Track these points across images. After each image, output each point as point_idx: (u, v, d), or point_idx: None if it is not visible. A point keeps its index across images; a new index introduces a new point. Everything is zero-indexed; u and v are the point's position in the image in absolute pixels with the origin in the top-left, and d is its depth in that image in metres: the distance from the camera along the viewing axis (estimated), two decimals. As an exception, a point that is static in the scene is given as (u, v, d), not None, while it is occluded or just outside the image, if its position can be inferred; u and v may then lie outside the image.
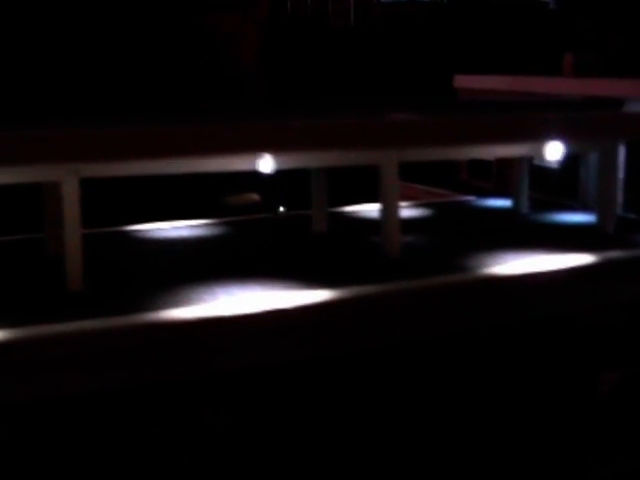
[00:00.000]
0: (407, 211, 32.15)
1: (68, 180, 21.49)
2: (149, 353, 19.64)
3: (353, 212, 32.03)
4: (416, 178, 38.07)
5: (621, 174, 31.72)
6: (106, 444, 20.04)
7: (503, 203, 33.21)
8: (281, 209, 30.93)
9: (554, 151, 25.16)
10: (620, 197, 31.64)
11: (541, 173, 34.50)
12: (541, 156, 26.09)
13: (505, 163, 35.89)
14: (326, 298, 20.99)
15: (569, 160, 33.31)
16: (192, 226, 29.32)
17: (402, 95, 69.11)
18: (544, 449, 24.13)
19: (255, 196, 43.60)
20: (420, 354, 23.03)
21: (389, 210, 24.99)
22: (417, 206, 33.19)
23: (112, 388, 19.86)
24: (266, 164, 22.05)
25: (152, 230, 28.89)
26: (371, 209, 32.12)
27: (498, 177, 36.12)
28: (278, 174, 24.75)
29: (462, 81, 38.44)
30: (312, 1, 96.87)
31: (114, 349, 19.15)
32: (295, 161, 23.51)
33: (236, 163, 22.32)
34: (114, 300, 21.19)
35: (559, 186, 33.54)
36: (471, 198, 34.72)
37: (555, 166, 33.96)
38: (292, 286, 22.07)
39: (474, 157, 25.95)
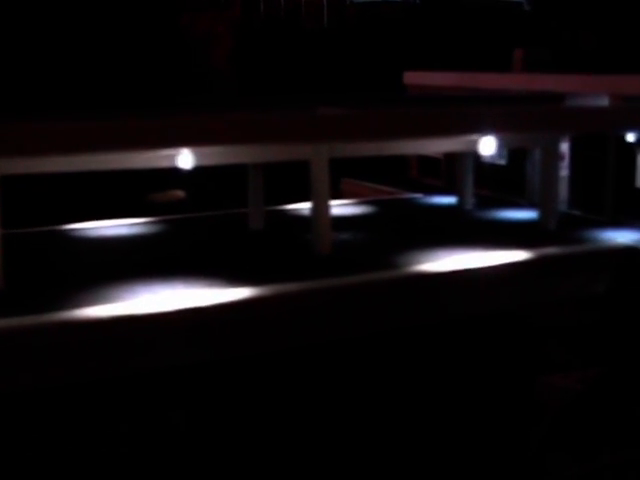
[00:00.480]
0: (350, 208, 31.72)
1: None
2: (63, 352, 19.15)
3: (293, 209, 31.48)
4: (366, 175, 37.68)
5: (566, 171, 31.39)
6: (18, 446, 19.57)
7: (449, 200, 32.73)
8: None
9: (488, 146, 24.68)
10: (565, 194, 31.30)
11: (490, 170, 34.09)
12: (477, 151, 25.58)
13: (454, 160, 35.46)
14: (244, 296, 20.51)
15: (516, 156, 32.93)
16: (127, 225, 28.74)
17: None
18: (479, 447, 23.76)
19: (180, 193, 42.99)
20: (344, 354, 22.56)
21: (319, 207, 24.45)
22: (361, 203, 32.68)
23: (24, 389, 19.37)
24: (185, 160, 21.46)
25: (84, 229, 28.24)
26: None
27: (447, 174, 35.67)
28: (208, 170, 24.30)
29: (411, 78, 38.02)
30: (285, 2, 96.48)
31: (27, 348, 18.66)
32: (218, 157, 22.91)
33: (154, 159, 21.71)
34: (33, 299, 20.57)
35: (507, 183, 33.12)
36: (418, 195, 34.21)
37: (503, 162, 33.57)
38: (215, 284, 21.55)
39: (409, 152, 25.42)
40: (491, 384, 24.88)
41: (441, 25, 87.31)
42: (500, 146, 26.32)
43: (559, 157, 27.99)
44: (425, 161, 36.87)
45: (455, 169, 31.98)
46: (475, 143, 24.89)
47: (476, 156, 35.14)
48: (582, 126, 26.07)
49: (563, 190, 31.26)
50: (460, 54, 75.65)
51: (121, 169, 22.47)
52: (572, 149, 30.62)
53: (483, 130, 24.20)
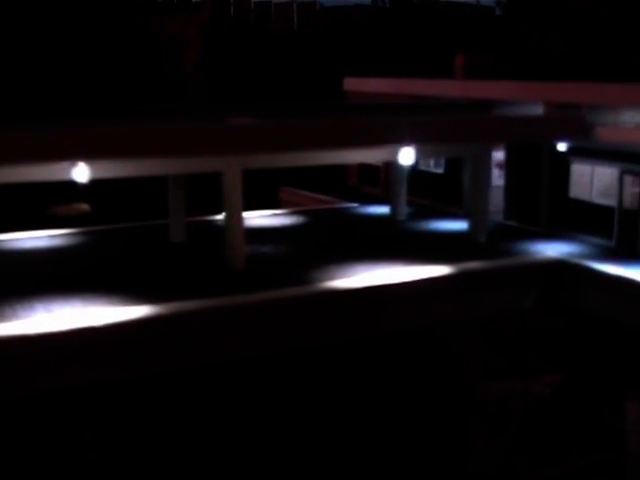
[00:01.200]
0: (280, 219, 30.76)
1: None
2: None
3: (218, 221, 30.50)
4: (309, 184, 36.75)
5: (502, 181, 30.53)
6: None
7: (383, 210, 31.74)
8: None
9: (407, 156, 23.74)
10: (501, 204, 30.45)
11: (427, 179, 33.21)
12: (398, 161, 24.62)
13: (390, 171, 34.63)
14: (140, 315, 19.47)
15: (454, 165, 32.06)
16: (33, 237, 27.58)
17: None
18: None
19: (84, 206, 41.86)
20: (248, 374, 21.71)
21: (232, 220, 23.41)
22: (293, 213, 31.70)
23: None
24: (81, 173, 20.40)
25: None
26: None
27: (386, 182, 34.76)
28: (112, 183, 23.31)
29: (351, 84, 37.11)
30: (255, 6, 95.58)
31: None
32: (123, 169, 21.84)
33: (50, 172, 20.66)
34: None
35: (444, 192, 32.22)
36: (353, 205, 33.22)
37: (440, 171, 32.69)
38: (115, 302, 20.51)
39: (325, 162, 24.41)
40: (420, 395, 24.32)
41: (411, 29, 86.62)
42: (424, 156, 25.43)
43: (490, 167, 27.10)
44: (365, 169, 35.98)
45: (391, 179, 31.05)
46: (396, 153, 23.92)
47: (414, 165, 34.35)
48: (507, 135, 25.04)
49: (499, 200, 30.44)
50: (427, 58, 74.95)
51: (17, 182, 21.40)
52: (508, 158, 29.76)
53: (401, 141, 23.22)
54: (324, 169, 37.04)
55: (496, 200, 30.74)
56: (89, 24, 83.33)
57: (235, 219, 23.39)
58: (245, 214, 31.15)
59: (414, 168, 34.01)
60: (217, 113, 25.04)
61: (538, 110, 28.19)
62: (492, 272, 23.86)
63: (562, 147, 26.47)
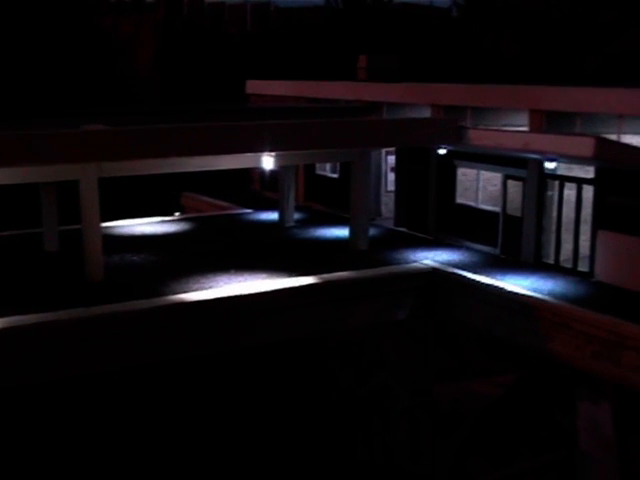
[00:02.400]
0: (165, 226, 29.64)
1: None
2: None
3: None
4: (213, 189, 35.76)
5: (392, 187, 29.66)
6: None
7: (275, 216, 30.66)
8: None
9: (268, 162, 22.74)
10: (391, 210, 29.57)
11: (323, 184, 32.28)
12: (262, 165, 23.57)
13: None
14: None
15: (348, 170, 31.09)
16: None
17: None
18: None
19: None
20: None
21: (89, 230, 22.27)
22: (181, 220, 30.60)
23: None
24: None
25: None
26: (122, 224, 30.02)
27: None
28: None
29: (252, 87, 36.15)
30: (209, 7, 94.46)
31: None
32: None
33: None
34: None
35: (339, 197, 31.25)
36: (248, 211, 32.20)
37: (335, 176, 31.76)
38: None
39: (186, 169, 23.33)
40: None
41: (363, 30, 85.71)
42: (299, 161, 24.42)
43: (369, 172, 26.09)
44: (266, 175, 34.99)
45: (278, 185, 30.00)
46: (260, 159, 22.91)
47: (310, 169, 33.43)
48: (376, 140, 23.93)
49: (390, 207, 29.57)
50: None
51: None
52: (397, 163, 28.84)
53: (267, 146, 22.17)
54: (231, 174, 36.20)
55: (392, 206, 29.90)
56: (41, 24, 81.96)
57: (92, 229, 22.23)
58: (131, 221, 30.48)
59: (312, 173, 33.14)
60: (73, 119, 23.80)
61: (426, 113, 27.32)
62: (360, 282, 22.89)
63: (442, 151, 25.58)
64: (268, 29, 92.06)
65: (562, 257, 24.04)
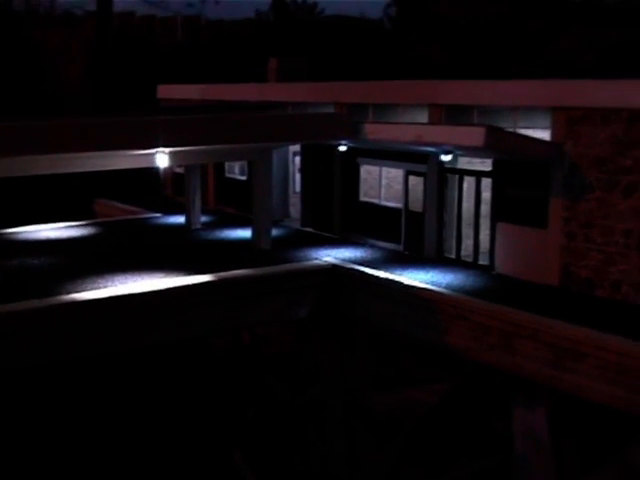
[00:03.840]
0: (71, 230, 28.53)
1: None
2: None
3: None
4: (123, 196, 34.81)
5: (298, 187, 29.11)
6: None
7: (183, 220, 29.84)
8: None
9: (162, 160, 21.94)
10: (299, 211, 29.00)
11: (232, 186, 31.59)
12: (157, 164, 22.72)
13: (203, 178, 32.98)
14: None
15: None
16: None
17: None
18: None
19: None
20: None
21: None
22: (88, 225, 29.54)
23: None
24: None
25: None
26: (28, 230, 28.99)
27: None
28: None
29: (163, 91, 35.42)
30: (140, 20, 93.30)
31: None
32: None
33: None
34: None
35: (248, 199, 30.57)
36: (157, 215, 31.34)
37: (244, 178, 31.08)
38: None
39: (82, 169, 22.42)
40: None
41: (293, 43, 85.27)
42: (197, 160, 23.63)
43: (270, 171, 25.40)
44: (178, 179, 34.19)
45: (207, 187, 29.23)
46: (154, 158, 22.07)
47: (220, 172, 32.73)
48: (266, 136, 23.00)
49: (297, 207, 29.01)
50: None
51: None
52: (303, 163, 28.30)
53: (151, 143, 21.18)
54: (144, 180, 35.34)
55: (300, 207, 29.33)
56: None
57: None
58: (37, 227, 29.44)
59: (221, 176, 32.45)
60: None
61: (330, 110, 26.80)
62: (258, 280, 22.17)
63: (342, 148, 25.07)
64: (198, 41, 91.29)
65: (463, 251, 23.68)
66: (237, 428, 26.44)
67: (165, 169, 32.93)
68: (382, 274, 22.05)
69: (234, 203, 31.22)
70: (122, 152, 22.27)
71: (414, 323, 21.17)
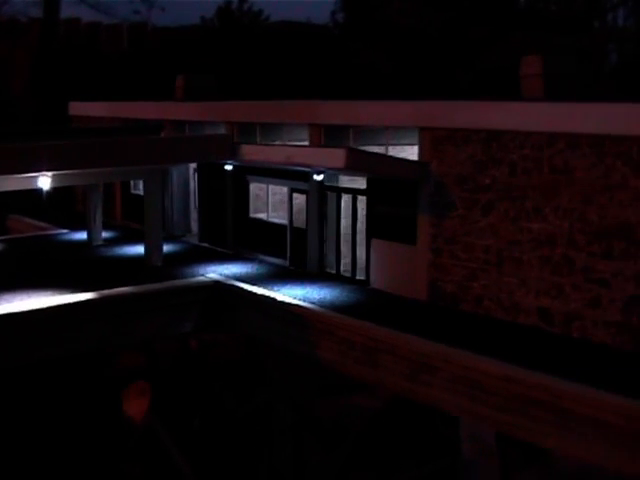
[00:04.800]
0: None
1: None
2: None
3: None
4: (38, 212, 34.61)
5: (194, 203, 29.20)
6: None
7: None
8: None
9: (46, 181, 21.94)
10: (196, 226, 29.09)
11: (137, 202, 31.58)
12: (39, 185, 22.72)
13: (110, 194, 32.99)
14: None
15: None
16: None
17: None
18: None
19: None
20: None
21: None
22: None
23: None
24: None
25: None
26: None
27: (106, 207, 33.05)
28: None
29: (74, 108, 35.35)
30: (85, 27, 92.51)
31: None
32: None
33: None
34: None
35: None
36: (63, 231, 31.15)
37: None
38: None
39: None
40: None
41: (237, 49, 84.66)
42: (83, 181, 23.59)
43: (160, 190, 25.47)
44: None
45: (114, 203, 29.14)
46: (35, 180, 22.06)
47: (126, 189, 32.74)
48: (147, 158, 23.11)
49: (194, 222, 29.10)
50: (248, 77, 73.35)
51: None
52: (199, 180, 28.40)
53: (42, 167, 21.26)
54: (59, 196, 35.10)
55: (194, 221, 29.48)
56: None
57: None
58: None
59: (127, 192, 32.44)
60: None
61: (222, 130, 26.94)
62: (140, 297, 22.22)
63: (228, 167, 25.21)
64: (144, 48, 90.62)
65: (343, 267, 23.89)
66: (184, 436, 26.20)
67: (77, 186, 32.97)
68: (259, 290, 22.18)
69: (139, 219, 31.21)
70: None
71: (290, 338, 21.32)
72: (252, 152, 22.18)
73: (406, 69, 65.95)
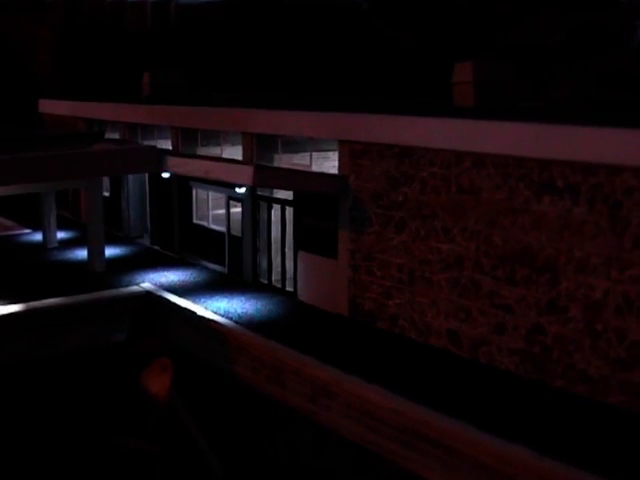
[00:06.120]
0: None
1: None
2: None
3: None
4: (12, 210, 33.98)
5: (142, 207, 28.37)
6: None
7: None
8: None
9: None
10: (148, 228, 28.29)
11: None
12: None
13: (76, 192, 32.34)
14: None
15: (117, 189, 29.76)
16: None
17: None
18: None
19: None
20: None
21: None
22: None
23: None
24: None
25: None
26: None
27: (73, 206, 32.46)
28: None
29: (43, 106, 34.64)
30: (109, 5, 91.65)
31: None
32: None
33: None
34: None
35: (111, 216, 29.86)
36: (26, 231, 30.56)
37: (107, 194, 30.32)
38: None
39: None
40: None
41: (265, 24, 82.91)
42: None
43: (101, 197, 24.71)
44: (59, 194, 33.44)
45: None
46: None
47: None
48: (74, 172, 22.31)
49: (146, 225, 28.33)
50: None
51: None
52: (149, 185, 27.56)
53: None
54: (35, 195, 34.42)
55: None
56: None
57: None
58: None
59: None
60: None
61: (167, 135, 26.04)
62: (69, 309, 21.62)
63: (165, 175, 24.31)
64: (168, 26, 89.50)
65: (274, 277, 22.95)
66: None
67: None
68: (183, 303, 21.39)
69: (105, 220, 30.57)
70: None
71: (211, 352, 20.55)
72: (175, 165, 21.28)
73: (431, 45, 63.89)
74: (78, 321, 21.79)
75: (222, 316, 20.40)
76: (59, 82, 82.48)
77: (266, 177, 18.86)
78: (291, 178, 19.54)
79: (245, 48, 77.07)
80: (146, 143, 27.94)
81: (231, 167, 19.26)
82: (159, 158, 21.83)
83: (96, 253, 24.46)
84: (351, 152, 19.87)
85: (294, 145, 22.00)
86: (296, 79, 60.55)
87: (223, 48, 79.86)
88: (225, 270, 24.28)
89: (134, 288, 22.74)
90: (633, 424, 14.49)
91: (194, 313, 20.63)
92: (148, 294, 22.38)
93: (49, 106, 33.86)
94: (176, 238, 26.15)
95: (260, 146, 22.53)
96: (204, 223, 25.06)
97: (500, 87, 21.49)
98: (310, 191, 20.11)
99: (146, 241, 28.41)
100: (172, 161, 21.45)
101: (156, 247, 27.49)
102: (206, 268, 24.90)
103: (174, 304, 21.49)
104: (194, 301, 21.63)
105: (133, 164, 22.32)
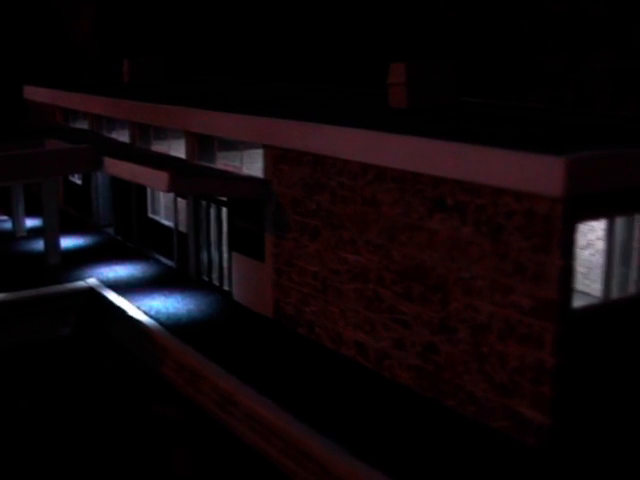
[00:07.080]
0: None
1: None
2: None
3: None
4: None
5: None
6: None
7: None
8: None
9: None
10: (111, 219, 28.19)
11: (73, 189, 30.84)
12: None
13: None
14: None
15: (88, 177, 29.61)
16: None
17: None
18: None
19: None
20: None
21: None
22: None
23: None
24: None
25: None
26: None
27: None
28: None
29: (28, 92, 34.56)
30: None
31: None
32: None
33: None
34: None
35: (83, 204, 29.85)
36: (3, 218, 30.79)
37: (79, 182, 30.27)
38: None
39: None
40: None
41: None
42: None
43: (57, 192, 24.61)
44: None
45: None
46: None
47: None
48: (24, 173, 22.19)
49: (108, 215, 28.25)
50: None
51: None
52: (112, 177, 27.37)
53: None
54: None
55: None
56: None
57: None
58: None
59: (67, 179, 31.74)
60: None
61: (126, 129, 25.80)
62: (13, 304, 21.73)
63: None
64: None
65: (214, 275, 22.68)
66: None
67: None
68: (119, 301, 21.30)
69: (74, 206, 30.63)
70: None
71: (144, 351, 20.49)
72: (109, 166, 21.05)
73: (475, 16, 62.04)
74: (22, 316, 21.90)
75: (151, 316, 20.28)
76: (96, 53, 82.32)
77: (184, 184, 18.51)
78: (212, 184, 19.14)
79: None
80: (112, 135, 27.80)
81: (150, 172, 18.92)
82: (98, 158, 21.63)
83: (51, 246, 24.47)
84: (273, 157, 19.38)
85: (227, 145, 21.55)
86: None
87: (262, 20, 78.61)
88: (174, 265, 24.12)
89: (79, 284, 22.72)
90: (511, 452, 13.95)
91: (125, 312, 20.55)
92: (91, 290, 22.36)
93: (33, 93, 33.83)
94: (134, 231, 26.03)
95: (201, 145, 22.16)
96: (157, 218, 24.86)
97: (435, 88, 20.69)
98: (232, 197, 19.71)
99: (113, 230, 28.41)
100: (107, 162, 21.23)
101: (119, 237, 27.43)
102: (158, 262, 24.76)
103: (111, 302, 21.44)
104: (132, 299, 21.53)
105: (73, 164, 22.18)
